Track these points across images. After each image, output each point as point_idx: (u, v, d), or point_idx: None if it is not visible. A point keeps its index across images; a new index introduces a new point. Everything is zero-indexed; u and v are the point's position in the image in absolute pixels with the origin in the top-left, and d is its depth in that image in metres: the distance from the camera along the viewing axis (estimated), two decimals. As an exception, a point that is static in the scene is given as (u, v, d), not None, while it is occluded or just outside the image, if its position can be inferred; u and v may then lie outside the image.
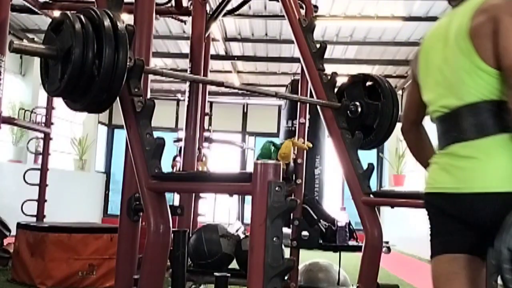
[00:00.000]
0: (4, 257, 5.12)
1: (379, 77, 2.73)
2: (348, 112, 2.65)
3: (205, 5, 4.35)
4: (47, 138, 6.04)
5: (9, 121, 5.76)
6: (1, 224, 5.34)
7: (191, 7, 4.47)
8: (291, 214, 3.52)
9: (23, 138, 8.56)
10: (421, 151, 1.81)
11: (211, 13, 4.89)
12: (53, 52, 1.75)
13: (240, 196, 6.36)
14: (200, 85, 4.37)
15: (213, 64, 10.15)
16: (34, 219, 5.67)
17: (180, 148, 4.94)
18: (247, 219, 2.45)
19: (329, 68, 2.64)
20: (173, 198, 5.83)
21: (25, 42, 1.75)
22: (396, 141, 10.96)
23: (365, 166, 2.49)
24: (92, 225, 5.36)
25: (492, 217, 1.40)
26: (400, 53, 9.65)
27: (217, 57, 9.83)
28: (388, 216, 9.76)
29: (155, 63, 10.27)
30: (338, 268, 3.98)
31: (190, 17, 4.45)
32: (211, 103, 12.08)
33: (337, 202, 10.61)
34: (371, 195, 2.45)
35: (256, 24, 8.70)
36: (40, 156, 6.14)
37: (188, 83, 4.32)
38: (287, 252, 3.49)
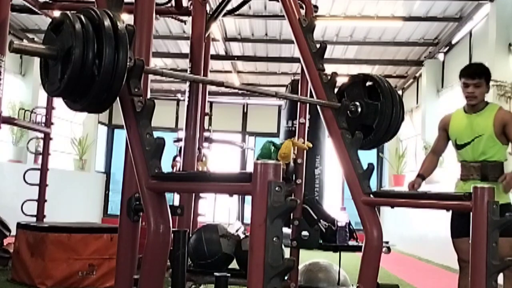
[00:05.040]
0: (4, 257, 5.12)
1: (379, 77, 2.72)
2: (348, 112, 2.65)
3: (205, 5, 4.35)
4: (47, 138, 6.04)
5: (9, 121, 5.77)
6: (1, 224, 5.34)
7: (191, 7, 4.47)
8: (291, 214, 3.52)
9: (23, 138, 8.56)
10: None
11: (211, 13, 4.89)
12: (53, 52, 1.74)
13: (240, 196, 6.36)
14: (200, 85, 4.37)
15: (213, 64, 10.16)
16: (34, 219, 5.67)
17: (180, 148, 4.94)
18: (247, 219, 2.44)
19: (329, 68, 2.64)
20: (173, 198, 5.83)
21: (25, 42, 1.75)
22: (396, 141, 10.96)
23: (365, 166, 2.48)
24: (92, 225, 5.36)
25: None
26: (400, 53, 9.65)
27: (217, 57, 9.83)
28: (388, 216, 9.76)
29: (155, 63, 10.27)
30: (338, 268, 3.98)
31: (190, 17, 4.45)
32: (211, 103, 12.09)
33: (337, 202, 10.61)
34: (371, 195, 2.44)
35: (256, 24, 8.70)
36: (40, 156, 6.14)
37: (188, 83, 4.32)
38: (287, 252, 3.49)
